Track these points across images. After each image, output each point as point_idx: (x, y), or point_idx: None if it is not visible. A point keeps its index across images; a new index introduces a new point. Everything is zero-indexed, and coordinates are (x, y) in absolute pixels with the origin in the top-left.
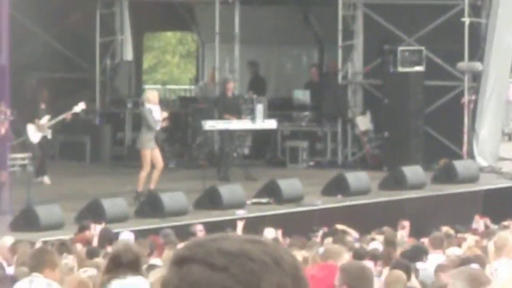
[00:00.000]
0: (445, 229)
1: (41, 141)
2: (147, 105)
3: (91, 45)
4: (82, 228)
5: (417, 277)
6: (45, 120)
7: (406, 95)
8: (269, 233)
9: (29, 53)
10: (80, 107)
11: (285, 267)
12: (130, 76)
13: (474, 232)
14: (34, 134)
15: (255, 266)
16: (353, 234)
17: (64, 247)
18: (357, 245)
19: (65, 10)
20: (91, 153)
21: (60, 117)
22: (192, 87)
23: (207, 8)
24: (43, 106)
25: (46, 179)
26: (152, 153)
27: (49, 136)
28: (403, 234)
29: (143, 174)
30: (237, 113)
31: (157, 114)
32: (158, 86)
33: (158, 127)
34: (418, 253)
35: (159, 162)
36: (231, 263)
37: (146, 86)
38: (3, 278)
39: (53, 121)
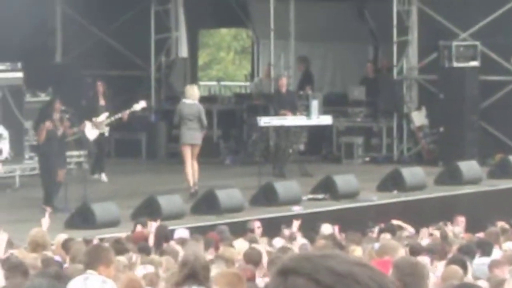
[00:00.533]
0: (500, 224)
1: (97, 139)
2: (184, 100)
3: (146, 42)
4: (140, 225)
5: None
6: (103, 117)
7: (461, 90)
8: (326, 229)
9: (85, 51)
10: (140, 105)
11: None
12: (185, 73)
13: None
14: (90, 131)
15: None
16: (409, 229)
17: (118, 245)
18: (413, 240)
19: (120, 7)
20: (147, 150)
21: (119, 115)
22: (248, 83)
23: (262, 4)
24: (102, 102)
25: (103, 177)
26: (185, 149)
27: (106, 134)
28: (459, 229)
29: (185, 169)
30: (293, 109)
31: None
32: (214, 83)
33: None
34: (474, 248)
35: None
36: (337, 283)
37: (201, 83)
38: (62, 275)
39: (111, 119)
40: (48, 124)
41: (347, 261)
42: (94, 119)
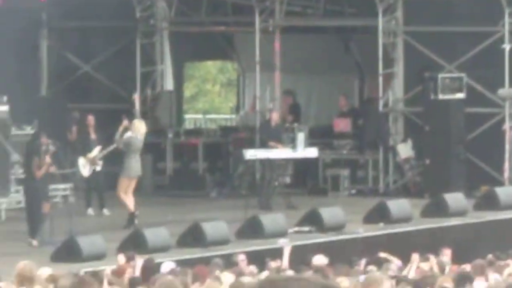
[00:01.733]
0: (489, 256)
1: (91, 174)
2: (133, 135)
3: (131, 76)
4: (128, 259)
5: None
6: (96, 151)
7: (447, 122)
8: (319, 259)
9: (71, 84)
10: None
11: None
12: (171, 106)
13: None
14: (84, 167)
15: None
16: (395, 262)
17: (96, 277)
18: (399, 272)
19: (106, 40)
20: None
21: (111, 147)
22: (233, 116)
23: (247, 37)
24: (93, 136)
25: (90, 211)
26: (132, 181)
27: (99, 168)
28: (446, 259)
29: (128, 199)
30: (279, 142)
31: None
32: (200, 116)
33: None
34: (463, 280)
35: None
36: None
37: (187, 116)
38: None
39: (104, 152)
40: (48, 160)
41: (309, 283)
42: (88, 155)
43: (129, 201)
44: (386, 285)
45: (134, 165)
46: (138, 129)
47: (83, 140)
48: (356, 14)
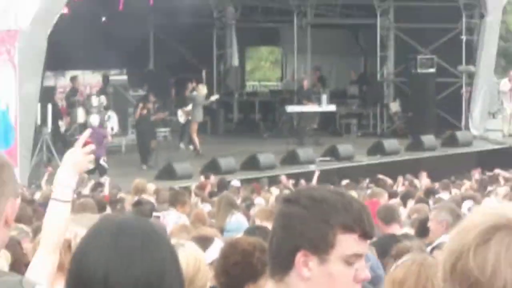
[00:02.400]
0: (452, 178)
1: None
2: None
3: (210, 55)
4: (207, 178)
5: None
6: (189, 107)
7: (423, 88)
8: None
9: (169, 60)
10: (215, 97)
11: (352, 212)
12: (237, 77)
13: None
14: (181, 116)
15: (328, 208)
16: (388, 181)
17: (186, 190)
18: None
19: (194, 30)
20: (211, 128)
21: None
22: (279, 83)
23: (288, 30)
24: (187, 95)
25: (181, 145)
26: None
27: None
28: (426, 181)
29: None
30: (310, 101)
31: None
32: (256, 83)
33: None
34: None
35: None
36: (312, 204)
37: (248, 83)
38: (153, 211)
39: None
40: (142, 109)
41: (325, 190)
42: (184, 108)
43: (195, 139)
44: (384, 196)
45: (197, 114)
46: (200, 90)
47: (180, 98)
48: (362, 16)
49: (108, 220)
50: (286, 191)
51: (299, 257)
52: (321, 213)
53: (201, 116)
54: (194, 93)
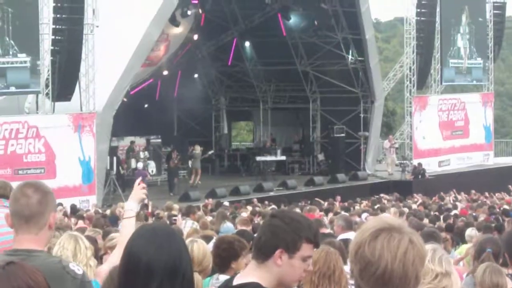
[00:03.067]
0: (349, 201)
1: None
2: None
3: (210, 127)
4: (208, 200)
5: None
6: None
7: (338, 146)
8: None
9: (185, 129)
10: (211, 152)
11: (312, 230)
12: (226, 140)
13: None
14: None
15: (300, 226)
16: (321, 201)
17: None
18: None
19: (200, 111)
20: (211, 170)
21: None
22: (252, 143)
23: (257, 111)
24: (188, 153)
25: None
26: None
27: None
28: (337, 201)
29: None
30: (269, 153)
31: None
32: (238, 143)
33: None
34: (343, 208)
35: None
36: (290, 222)
37: (233, 143)
38: (174, 221)
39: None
40: (169, 159)
41: (298, 213)
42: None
43: (197, 177)
44: (317, 211)
45: (196, 164)
46: (197, 150)
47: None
48: (301, 102)
49: (147, 226)
50: (257, 209)
51: (277, 252)
52: (295, 228)
53: (199, 165)
54: (194, 152)
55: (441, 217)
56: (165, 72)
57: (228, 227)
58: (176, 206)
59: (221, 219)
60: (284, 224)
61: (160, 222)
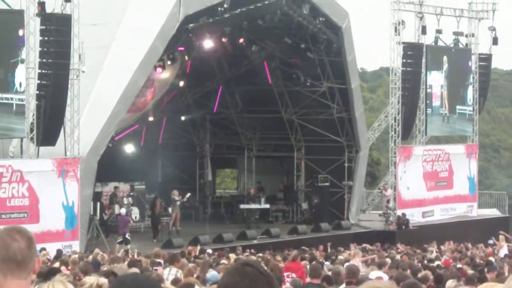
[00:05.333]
0: (339, 248)
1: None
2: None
3: (195, 173)
4: (191, 247)
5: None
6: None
7: (322, 195)
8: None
9: (169, 177)
10: (188, 194)
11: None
12: (211, 187)
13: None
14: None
15: (261, 276)
16: (308, 250)
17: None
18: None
19: (185, 158)
20: (195, 217)
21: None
22: (236, 191)
23: (242, 159)
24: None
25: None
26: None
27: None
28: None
29: None
30: (254, 201)
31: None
32: (222, 190)
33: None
34: (328, 257)
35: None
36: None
37: (217, 191)
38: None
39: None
40: (153, 206)
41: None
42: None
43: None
44: (299, 258)
45: (175, 208)
46: (175, 195)
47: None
48: (285, 151)
49: (127, 275)
50: (241, 257)
51: None
52: (261, 279)
53: (177, 209)
54: (172, 197)
55: (423, 267)
56: (151, 118)
57: (214, 275)
58: (161, 252)
59: (206, 268)
60: (262, 275)
61: (142, 275)
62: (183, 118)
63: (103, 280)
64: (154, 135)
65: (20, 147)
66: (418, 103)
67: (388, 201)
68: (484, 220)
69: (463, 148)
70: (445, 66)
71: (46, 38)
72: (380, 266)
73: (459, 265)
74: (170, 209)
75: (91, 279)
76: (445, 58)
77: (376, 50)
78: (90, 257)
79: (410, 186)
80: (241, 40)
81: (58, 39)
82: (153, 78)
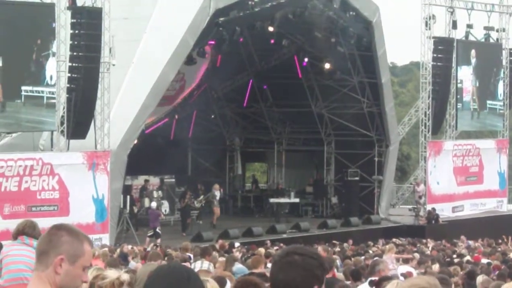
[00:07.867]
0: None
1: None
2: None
3: (225, 167)
4: (220, 240)
5: None
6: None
7: (351, 189)
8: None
9: (199, 170)
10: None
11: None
12: (240, 181)
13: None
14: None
15: (313, 261)
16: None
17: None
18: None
19: (215, 152)
20: (225, 211)
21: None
22: (265, 185)
23: (271, 153)
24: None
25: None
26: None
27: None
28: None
29: None
30: (283, 196)
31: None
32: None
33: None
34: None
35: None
36: (315, 255)
37: (246, 185)
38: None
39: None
40: (182, 200)
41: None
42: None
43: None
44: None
45: (212, 205)
46: (216, 189)
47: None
48: (315, 145)
49: (164, 266)
50: (272, 251)
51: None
52: (309, 263)
53: (218, 204)
54: (213, 191)
55: (454, 262)
56: (181, 112)
57: (239, 268)
58: (190, 246)
59: (231, 262)
60: (313, 259)
61: (177, 263)
62: (211, 116)
63: (125, 277)
64: (184, 129)
65: (51, 140)
66: (448, 97)
67: (420, 197)
68: None
69: (494, 143)
70: (473, 60)
71: (77, 32)
72: (407, 261)
73: (489, 261)
74: (195, 203)
75: (113, 274)
76: (473, 52)
77: (407, 44)
78: (118, 251)
79: (440, 181)
80: (271, 34)
81: (89, 32)
82: (183, 71)
